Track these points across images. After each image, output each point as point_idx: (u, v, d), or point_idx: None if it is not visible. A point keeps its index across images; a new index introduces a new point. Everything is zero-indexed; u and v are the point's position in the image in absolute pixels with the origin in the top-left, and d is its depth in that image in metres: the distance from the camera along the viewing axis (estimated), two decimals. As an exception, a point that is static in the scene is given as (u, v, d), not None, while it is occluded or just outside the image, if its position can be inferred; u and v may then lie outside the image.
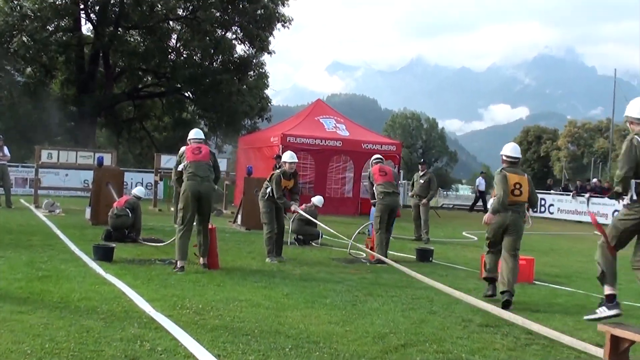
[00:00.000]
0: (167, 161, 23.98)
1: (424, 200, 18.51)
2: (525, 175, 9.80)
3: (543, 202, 35.33)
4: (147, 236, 14.65)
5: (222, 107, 35.57)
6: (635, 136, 7.60)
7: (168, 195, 26.09)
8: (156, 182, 24.16)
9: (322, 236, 15.71)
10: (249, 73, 37.39)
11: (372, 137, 29.55)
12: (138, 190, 14.87)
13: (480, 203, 36.67)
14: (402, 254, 14.58)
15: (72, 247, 12.57)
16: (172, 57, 37.62)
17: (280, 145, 25.81)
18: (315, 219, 15.50)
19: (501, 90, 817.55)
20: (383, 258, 11.87)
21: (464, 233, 21.47)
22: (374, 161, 14.24)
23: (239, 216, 18.63)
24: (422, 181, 18.78)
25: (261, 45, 37.25)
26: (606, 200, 31.97)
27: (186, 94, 38.78)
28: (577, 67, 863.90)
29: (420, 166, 19.33)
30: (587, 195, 32.72)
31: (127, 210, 14.02)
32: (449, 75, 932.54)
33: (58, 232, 15.00)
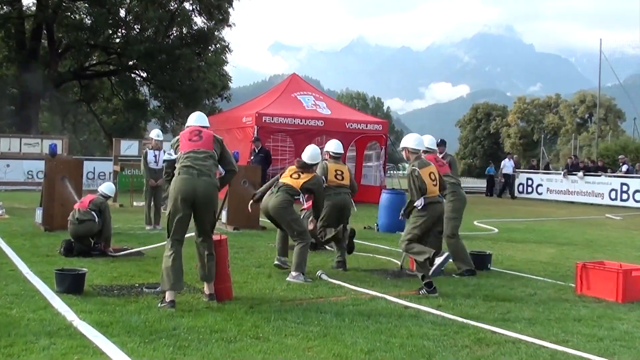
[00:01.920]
0: (127, 148, 20.53)
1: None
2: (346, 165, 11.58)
3: (530, 182, 32.81)
4: (117, 246, 11.34)
5: (180, 85, 31.83)
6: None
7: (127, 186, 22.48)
8: (116, 173, 20.44)
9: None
10: (210, 47, 33.52)
11: (356, 115, 26.54)
12: (106, 187, 11.44)
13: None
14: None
15: (24, 269, 9.20)
16: (123, 31, 33.38)
17: (255, 126, 22.63)
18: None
19: (442, 69, 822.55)
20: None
21: (476, 223, 18.57)
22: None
23: (223, 213, 15.36)
24: (441, 165, 15.68)
25: (221, 17, 33.50)
26: (602, 178, 29.59)
27: (140, 72, 34.67)
28: (516, 45, 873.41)
29: (438, 148, 16.04)
30: (580, 173, 30.20)
31: (93, 213, 10.71)
32: (390, 54, 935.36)
33: (1, 243, 11.58)
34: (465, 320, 7.14)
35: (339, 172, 11.03)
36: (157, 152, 14.74)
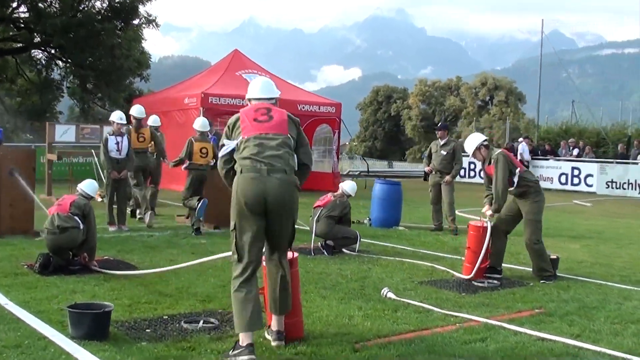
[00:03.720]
0: (63, 133, 17.77)
1: (448, 178, 13.61)
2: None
3: (472, 166, 31.44)
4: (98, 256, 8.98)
5: (102, 63, 28.68)
6: None
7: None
8: (50, 162, 17.51)
9: (360, 240, 10.54)
10: (133, 22, 30.28)
11: (308, 96, 24.34)
12: (88, 186, 8.97)
13: None
14: (517, 266, 9.66)
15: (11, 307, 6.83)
16: (34, 2, 29.55)
17: (201, 108, 20.24)
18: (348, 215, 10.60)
19: (333, 52, 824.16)
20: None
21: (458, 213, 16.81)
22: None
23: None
24: (444, 152, 13.77)
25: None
26: (551, 162, 28.56)
27: (53, 49, 31.06)
28: (407, 28, 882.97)
29: (439, 132, 14.19)
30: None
31: (76, 218, 8.35)
32: (282, 36, 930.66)
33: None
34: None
35: (203, 150, 12.55)
36: (119, 139, 12.27)
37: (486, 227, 8.85)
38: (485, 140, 9.17)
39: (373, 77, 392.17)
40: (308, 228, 10.98)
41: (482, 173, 9.80)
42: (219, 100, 20.65)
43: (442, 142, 13.91)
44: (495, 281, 8.49)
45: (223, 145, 5.76)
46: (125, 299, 6.98)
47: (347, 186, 10.83)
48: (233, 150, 5.66)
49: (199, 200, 12.18)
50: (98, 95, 32.58)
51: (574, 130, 32.11)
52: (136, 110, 13.82)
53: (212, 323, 6.16)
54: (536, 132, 35.20)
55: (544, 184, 27.57)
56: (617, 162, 27.25)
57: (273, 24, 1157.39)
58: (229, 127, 5.77)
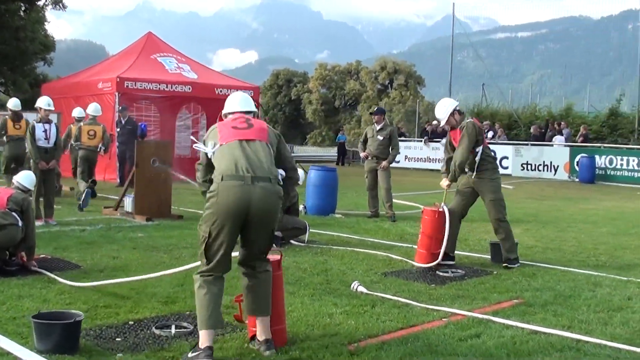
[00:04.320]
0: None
1: (384, 163, 13.32)
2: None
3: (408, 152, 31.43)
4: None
5: (6, 48, 27.10)
6: None
7: None
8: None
9: (309, 229, 10.16)
10: (38, 3, 28.76)
11: (225, 80, 23.65)
12: (25, 179, 8.29)
13: None
14: (472, 253, 9.47)
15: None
16: None
17: (117, 93, 19.42)
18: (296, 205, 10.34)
19: (230, 35, 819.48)
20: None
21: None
22: None
23: (128, 200, 12.43)
24: (380, 137, 13.44)
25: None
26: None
27: None
28: (303, 12, 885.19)
29: (375, 117, 13.84)
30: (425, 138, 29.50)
31: (15, 214, 7.65)
32: (176, 20, 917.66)
33: None
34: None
35: (91, 132, 14.76)
36: (47, 126, 11.48)
37: (442, 212, 8.62)
38: (458, 105, 8.97)
39: (270, 61, 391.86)
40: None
41: (444, 140, 9.60)
42: (135, 85, 19.83)
43: (378, 127, 13.60)
44: (459, 270, 8.25)
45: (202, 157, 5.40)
46: (81, 303, 6.38)
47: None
48: (208, 157, 5.30)
49: (88, 187, 13.62)
50: (1, 80, 30.90)
51: (486, 113, 32.45)
52: (43, 101, 12.61)
53: (185, 328, 5.69)
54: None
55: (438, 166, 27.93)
56: (532, 144, 27.67)
57: (168, 7, 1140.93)
58: (205, 137, 5.45)
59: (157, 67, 21.41)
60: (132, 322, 5.82)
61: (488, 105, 34.85)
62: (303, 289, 7.12)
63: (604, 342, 5.52)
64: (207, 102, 21.33)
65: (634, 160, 24.75)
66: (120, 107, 18.41)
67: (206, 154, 5.26)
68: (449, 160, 8.98)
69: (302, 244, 9.96)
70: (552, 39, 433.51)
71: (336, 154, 37.04)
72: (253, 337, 5.27)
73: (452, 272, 8.17)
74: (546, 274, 8.18)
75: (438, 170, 27.74)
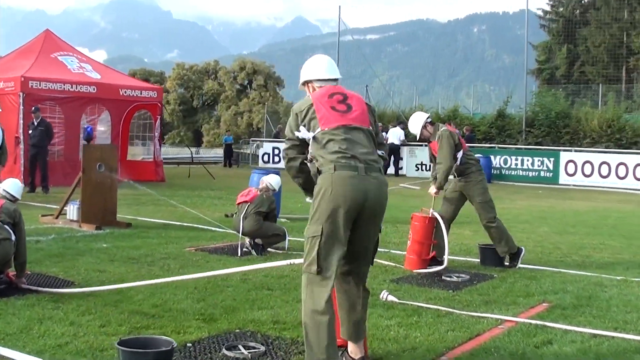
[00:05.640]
0: None
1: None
2: None
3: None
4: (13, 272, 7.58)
5: None
6: None
7: None
8: None
9: (287, 236, 9.93)
10: None
11: (128, 80, 22.83)
12: (12, 187, 7.62)
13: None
14: (465, 258, 9.52)
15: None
16: None
17: (21, 93, 18.36)
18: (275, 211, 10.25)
19: (77, 34, 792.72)
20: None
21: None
22: None
23: (73, 207, 11.73)
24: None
25: None
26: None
27: None
28: (153, 11, 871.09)
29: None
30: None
31: (7, 227, 7.02)
32: (23, 17, 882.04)
33: None
34: None
35: None
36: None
37: (432, 218, 8.70)
38: (429, 117, 9.16)
39: (119, 60, 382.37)
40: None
41: (427, 151, 9.78)
42: (40, 85, 18.83)
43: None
44: (462, 275, 8.28)
45: (291, 138, 4.90)
46: (116, 325, 5.78)
47: (273, 180, 10.22)
48: (298, 145, 4.89)
49: None
50: None
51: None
52: None
53: (255, 349, 5.28)
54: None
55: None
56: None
57: (14, 4, 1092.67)
58: (297, 115, 4.85)
59: (60, 66, 20.42)
60: (190, 344, 5.39)
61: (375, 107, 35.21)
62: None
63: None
64: (111, 103, 20.66)
65: (528, 160, 25.82)
66: (33, 108, 17.41)
67: (301, 138, 4.81)
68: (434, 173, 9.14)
69: (280, 252, 9.75)
70: (400, 41, 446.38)
71: (222, 156, 36.46)
72: (340, 346, 4.90)
73: (457, 277, 8.18)
74: (549, 277, 8.29)
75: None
